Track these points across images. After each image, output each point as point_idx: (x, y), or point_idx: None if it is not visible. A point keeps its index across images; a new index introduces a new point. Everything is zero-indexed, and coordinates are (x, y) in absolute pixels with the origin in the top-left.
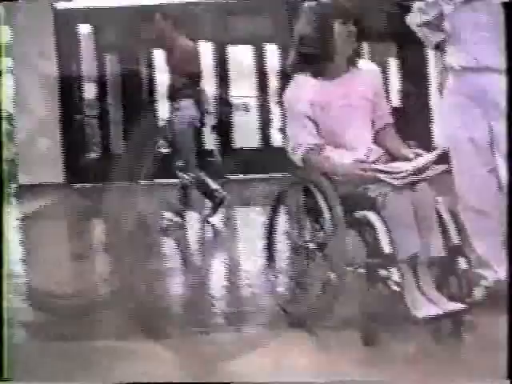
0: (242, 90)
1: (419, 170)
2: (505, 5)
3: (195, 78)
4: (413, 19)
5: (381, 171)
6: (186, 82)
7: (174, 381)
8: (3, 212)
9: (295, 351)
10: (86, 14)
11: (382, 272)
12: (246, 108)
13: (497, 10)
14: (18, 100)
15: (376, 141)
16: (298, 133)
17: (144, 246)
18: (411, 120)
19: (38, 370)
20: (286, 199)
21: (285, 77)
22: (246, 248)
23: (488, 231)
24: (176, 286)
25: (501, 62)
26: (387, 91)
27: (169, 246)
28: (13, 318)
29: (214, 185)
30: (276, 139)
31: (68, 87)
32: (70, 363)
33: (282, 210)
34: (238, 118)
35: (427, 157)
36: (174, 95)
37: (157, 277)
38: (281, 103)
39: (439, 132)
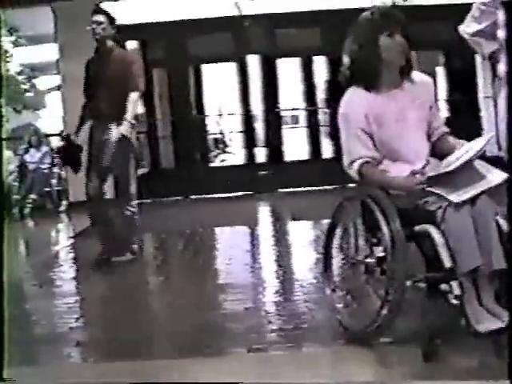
0: (291, 103)
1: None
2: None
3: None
4: (466, 28)
5: (436, 183)
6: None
7: None
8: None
9: (354, 368)
10: (133, 30)
11: (443, 286)
12: (296, 120)
13: None
14: (67, 117)
15: (434, 151)
16: (354, 146)
17: (193, 262)
18: (460, 129)
19: None
20: (344, 213)
21: (334, 89)
22: (300, 263)
23: None
24: (231, 302)
25: None
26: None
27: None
28: (66, 337)
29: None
30: (326, 151)
31: None
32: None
33: (340, 224)
34: (287, 131)
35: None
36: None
37: (210, 293)
38: (331, 117)
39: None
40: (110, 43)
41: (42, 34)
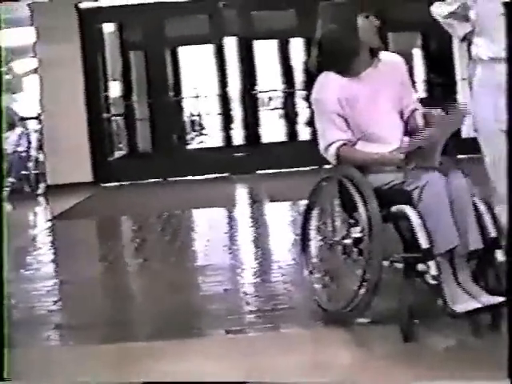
0: (268, 85)
1: None
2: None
3: None
4: (438, 10)
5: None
6: None
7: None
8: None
9: (333, 348)
10: (110, 13)
11: (420, 266)
12: (272, 102)
13: None
14: (44, 100)
15: (407, 128)
16: (329, 130)
17: (171, 244)
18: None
19: (71, 372)
20: (320, 194)
21: (310, 72)
22: (278, 244)
23: None
24: (209, 284)
25: None
26: (412, 82)
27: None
28: (45, 320)
29: None
30: (302, 133)
31: (94, 86)
32: (103, 365)
33: (317, 205)
34: (264, 113)
35: None
36: None
37: (189, 275)
38: (307, 99)
39: (469, 122)
40: None
41: (18, 17)
